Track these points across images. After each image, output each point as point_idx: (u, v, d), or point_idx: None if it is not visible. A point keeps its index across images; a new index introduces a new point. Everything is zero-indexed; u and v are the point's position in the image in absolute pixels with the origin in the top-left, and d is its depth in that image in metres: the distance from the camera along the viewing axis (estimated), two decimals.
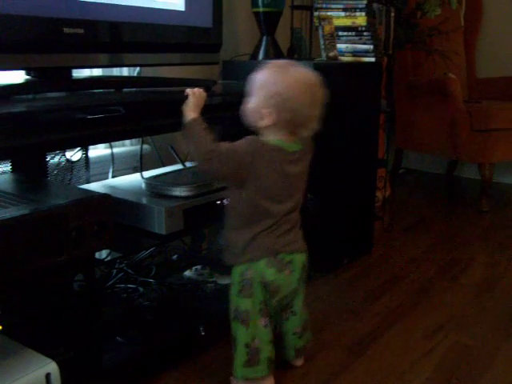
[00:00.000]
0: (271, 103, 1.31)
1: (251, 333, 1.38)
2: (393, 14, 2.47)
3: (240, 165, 1.31)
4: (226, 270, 1.86)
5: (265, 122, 1.33)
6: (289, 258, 1.39)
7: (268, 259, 1.37)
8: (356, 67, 2.20)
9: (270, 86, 1.32)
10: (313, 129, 1.36)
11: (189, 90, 1.37)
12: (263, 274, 1.37)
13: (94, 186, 1.62)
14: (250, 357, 1.38)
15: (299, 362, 1.55)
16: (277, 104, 1.31)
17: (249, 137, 1.35)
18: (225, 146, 1.32)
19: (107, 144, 1.87)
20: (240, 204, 1.37)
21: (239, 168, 1.31)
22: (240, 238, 1.38)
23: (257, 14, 2.28)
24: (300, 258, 1.42)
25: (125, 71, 1.93)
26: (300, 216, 1.45)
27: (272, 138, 1.34)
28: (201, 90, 1.39)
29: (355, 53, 2.22)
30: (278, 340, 1.48)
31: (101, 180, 1.75)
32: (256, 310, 1.38)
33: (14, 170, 1.49)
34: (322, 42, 2.26)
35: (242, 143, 1.33)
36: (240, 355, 1.39)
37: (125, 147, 1.99)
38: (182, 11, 1.55)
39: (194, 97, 1.36)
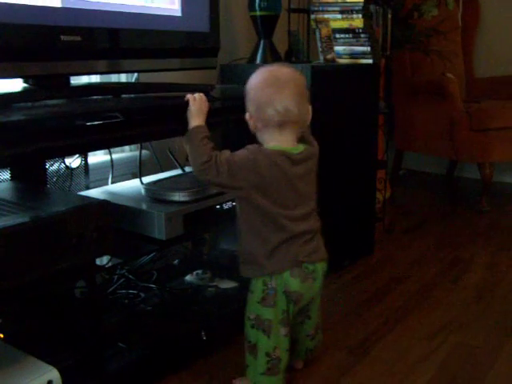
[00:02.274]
0: (248, 106, 1.36)
1: (273, 342, 1.37)
2: (390, 16, 2.46)
3: (239, 174, 1.30)
4: (227, 275, 1.87)
5: (252, 126, 1.36)
6: (312, 267, 1.38)
7: (292, 270, 1.35)
8: (354, 69, 2.21)
9: (246, 93, 1.36)
10: (304, 121, 1.37)
11: (189, 96, 1.37)
12: (287, 284, 1.35)
13: (94, 193, 1.62)
14: (271, 366, 1.37)
15: (300, 365, 1.55)
16: (251, 105, 1.35)
17: (249, 146, 1.35)
18: (225, 155, 1.31)
19: (106, 150, 1.87)
20: (250, 215, 1.36)
21: (238, 177, 1.30)
22: (259, 251, 1.36)
23: (254, 17, 2.28)
24: (322, 267, 1.42)
25: (123, 77, 1.93)
26: (320, 222, 1.44)
27: (272, 144, 1.34)
28: (201, 94, 1.39)
29: (353, 55, 2.22)
30: (292, 342, 1.46)
31: (100, 186, 1.75)
32: (278, 320, 1.37)
33: (13, 177, 1.49)
34: (319, 44, 2.26)
35: (242, 152, 1.33)
36: (260, 363, 1.38)
37: (124, 153, 2.00)
38: (178, 16, 1.55)
39: (196, 103, 1.36)
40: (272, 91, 1.32)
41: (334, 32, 2.23)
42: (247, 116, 1.37)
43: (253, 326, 1.39)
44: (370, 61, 2.20)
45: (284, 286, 1.35)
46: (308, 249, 1.38)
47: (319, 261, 1.41)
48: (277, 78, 1.34)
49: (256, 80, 1.36)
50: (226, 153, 1.32)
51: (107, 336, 1.48)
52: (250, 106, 1.35)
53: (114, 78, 1.90)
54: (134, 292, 1.75)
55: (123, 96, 1.50)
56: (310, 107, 1.39)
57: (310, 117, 1.39)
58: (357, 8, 2.18)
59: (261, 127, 1.35)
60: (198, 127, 1.34)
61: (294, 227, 1.35)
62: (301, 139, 1.40)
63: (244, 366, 1.43)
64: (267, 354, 1.37)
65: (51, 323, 1.40)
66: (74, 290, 1.39)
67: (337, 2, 2.20)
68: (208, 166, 1.30)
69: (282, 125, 1.33)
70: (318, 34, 2.25)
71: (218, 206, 1.57)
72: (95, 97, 1.46)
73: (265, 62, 2.26)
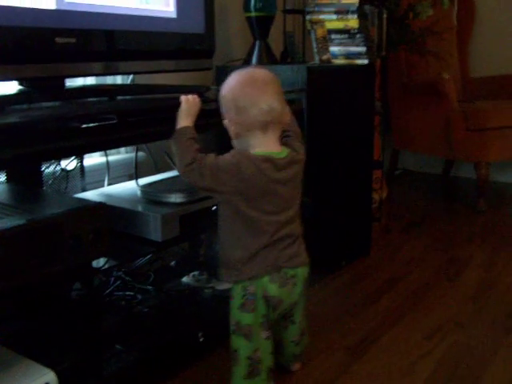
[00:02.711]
0: (225, 112, 1.34)
1: (253, 346, 1.36)
2: (385, 16, 2.47)
3: (222, 178, 1.29)
4: None
5: (231, 132, 1.34)
6: (292, 272, 1.37)
7: (271, 275, 1.34)
8: (349, 70, 2.21)
9: (221, 97, 1.35)
10: (284, 122, 1.35)
11: (183, 97, 1.37)
12: (266, 288, 1.35)
13: (90, 195, 1.62)
14: (252, 368, 1.37)
15: (296, 367, 1.55)
16: (230, 109, 1.32)
17: (234, 150, 1.35)
18: (210, 159, 1.30)
19: (102, 152, 1.87)
20: (232, 219, 1.34)
21: (221, 182, 1.29)
22: (238, 256, 1.35)
23: (249, 18, 2.29)
24: (303, 272, 1.40)
25: (118, 79, 1.93)
26: (301, 227, 1.43)
27: (257, 150, 1.32)
28: (195, 96, 1.39)
29: (348, 55, 2.22)
30: (276, 346, 1.46)
31: (96, 188, 1.75)
32: (258, 324, 1.36)
33: (8, 180, 1.49)
34: (314, 45, 2.26)
35: (226, 156, 1.32)
36: (241, 368, 1.37)
37: (120, 155, 2.00)
38: (173, 18, 1.55)
39: (187, 104, 1.36)
40: (253, 91, 1.30)
41: (329, 33, 2.23)
42: (226, 123, 1.35)
43: (234, 332, 1.38)
44: (366, 61, 2.20)
45: (263, 291, 1.34)
46: (289, 253, 1.36)
47: (300, 265, 1.39)
48: (255, 79, 1.32)
49: (232, 83, 1.33)
50: (211, 156, 1.31)
51: (104, 338, 1.48)
52: (229, 111, 1.33)
53: (109, 79, 1.90)
54: (131, 294, 1.75)
55: (119, 98, 1.50)
56: (288, 108, 1.37)
57: (289, 118, 1.38)
58: (352, 9, 2.18)
59: (243, 132, 1.32)
60: (184, 128, 1.34)
61: (275, 232, 1.34)
62: (285, 144, 1.38)
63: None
64: (249, 358, 1.36)
65: (48, 325, 1.40)
66: (70, 292, 1.39)
67: (332, 3, 2.20)
68: (191, 169, 1.29)
69: (265, 125, 1.31)
70: (313, 34, 2.26)
71: (214, 208, 1.57)
72: (90, 99, 1.45)
73: (260, 62, 2.26)
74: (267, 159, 1.30)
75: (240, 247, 1.34)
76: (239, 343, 1.37)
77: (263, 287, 1.34)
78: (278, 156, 1.32)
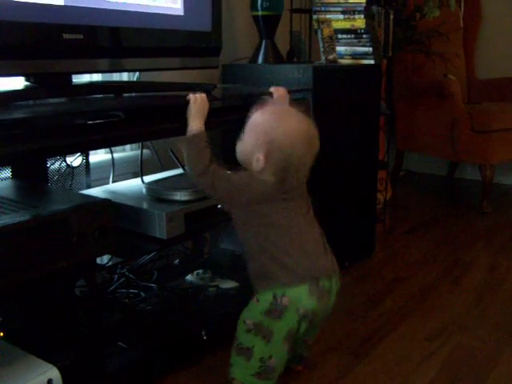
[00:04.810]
0: (264, 149, 1.28)
1: (270, 351, 1.33)
2: (392, 16, 2.46)
3: (233, 194, 1.31)
4: (228, 274, 1.87)
5: (255, 165, 1.30)
6: (328, 284, 1.34)
7: (310, 287, 1.31)
8: (355, 70, 2.20)
9: (267, 130, 1.29)
10: (304, 177, 1.34)
11: (191, 95, 1.35)
12: (302, 302, 1.31)
13: (95, 192, 1.62)
14: (263, 372, 1.34)
15: (300, 367, 1.55)
16: (271, 150, 1.28)
17: (246, 171, 1.34)
18: (223, 172, 1.32)
19: (107, 149, 1.87)
20: (250, 228, 1.34)
21: (232, 197, 1.31)
22: (270, 262, 1.32)
23: (256, 17, 2.28)
24: (336, 285, 1.38)
25: (124, 76, 1.93)
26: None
27: (264, 178, 1.31)
28: (203, 95, 1.37)
29: (354, 55, 2.22)
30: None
31: (101, 185, 1.75)
32: (282, 334, 1.33)
33: (14, 175, 1.49)
34: (321, 44, 2.26)
35: (239, 172, 1.32)
36: (252, 366, 1.34)
37: (125, 152, 2.00)
38: (181, 15, 1.55)
39: (196, 103, 1.35)
40: (302, 150, 1.29)
41: (335, 32, 2.23)
42: (262, 161, 1.29)
43: (249, 331, 1.35)
44: (372, 61, 2.20)
45: (298, 305, 1.31)
46: (322, 262, 1.35)
47: (334, 274, 1.37)
48: (307, 136, 1.31)
49: (286, 128, 1.29)
50: (224, 170, 1.32)
51: (107, 335, 1.48)
52: (274, 156, 1.28)
53: (115, 76, 1.90)
54: (135, 291, 1.75)
55: (125, 95, 1.50)
56: None
57: None
58: (359, 9, 2.17)
59: (266, 175, 1.30)
60: (199, 132, 1.33)
61: (299, 234, 1.33)
62: None
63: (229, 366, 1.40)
64: (261, 360, 1.34)
65: (52, 322, 1.40)
66: (74, 288, 1.39)
67: (339, 3, 2.20)
68: (204, 177, 1.30)
69: (286, 175, 1.31)
70: (319, 34, 2.25)
71: (219, 206, 1.57)
72: (97, 95, 1.45)
73: (266, 61, 2.26)
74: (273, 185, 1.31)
75: (269, 255, 1.32)
76: (255, 342, 1.34)
77: (300, 301, 1.31)
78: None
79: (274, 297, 1.32)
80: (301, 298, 1.31)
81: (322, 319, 1.41)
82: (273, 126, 1.29)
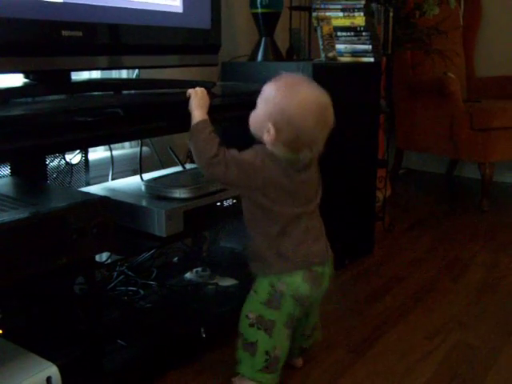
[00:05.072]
0: (276, 119, 1.27)
1: (274, 342, 1.36)
2: (391, 14, 2.46)
3: (248, 173, 1.29)
4: (227, 272, 1.87)
5: (267, 136, 1.28)
6: (321, 270, 1.37)
7: (304, 273, 1.34)
8: (355, 67, 2.20)
9: (277, 100, 1.27)
10: (317, 151, 1.32)
11: (191, 90, 1.36)
12: (298, 288, 1.34)
13: (94, 189, 1.62)
14: (269, 364, 1.36)
15: (299, 363, 1.55)
16: (281, 121, 1.26)
17: (256, 145, 1.33)
18: (234, 153, 1.30)
19: (107, 146, 1.87)
20: (255, 213, 1.35)
21: (247, 176, 1.29)
22: (267, 249, 1.35)
23: (255, 14, 2.28)
24: (329, 270, 1.40)
25: (124, 73, 1.93)
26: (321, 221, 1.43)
27: (276, 152, 1.30)
28: (202, 89, 1.38)
29: (354, 53, 2.21)
30: None
31: (100, 183, 1.75)
32: (282, 322, 1.36)
33: (13, 173, 1.49)
34: (320, 42, 2.26)
35: (249, 151, 1.31)
36: (258, 360, 1.36)
37: (124, 149, 1.99)
38: (180, 13, 1.54)
39: (197, 96, 1.35)
40: (314, 121, 1.26)
41: (335, 30, 2.23)
42: (272, 131, 1.27)
43: (252, 325, 1.37)
44: (372, 59, 2.20)
45: (293, 290, 1.34)
46: (317, 249, 1.37)
47: (327, 261, 1.39)
48: (320, 106, 1.28)
49: (298, 98, 1.27)
50: (234, 151, 1.30)
51: (106, 333, 1.48)
52: (284, 126, 1.26)
53: (114, 73, 1.90)
54: (134, 289, 1.75)
55: (124, 92, 1.50)
56: None
57: None
58: (358, 6, 2.17)
59: (273, 138, 1.28)
60: (204, 121, 1.32)
61: (304, 225, 1.34)
62: None
63: (236, 363, 1.41)
64: (266, 353, 1.36)
65: (50, 319, 1.40)
66: (73, 286, 1.39)
67: (339, 0, 2.20)
68: (217, 161, 1.28)
69: (299, 147, 1.29)
70: (319, 31, 2.25)
71: (218, 203, 1.56)
72: (96, 93, 1.45)
73: (266, 59, 2.25)
74: (286, 159, 1.30)
75: (271, 242, 1.34)
76: (259, 336, 1.36)
77: (295, 286, 1.34)
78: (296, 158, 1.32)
79: (271, 285, 1.35)
80: (296, 283, 1.34)
81: (315, 305, 1.44)
82: (284, 96, 1.27)
